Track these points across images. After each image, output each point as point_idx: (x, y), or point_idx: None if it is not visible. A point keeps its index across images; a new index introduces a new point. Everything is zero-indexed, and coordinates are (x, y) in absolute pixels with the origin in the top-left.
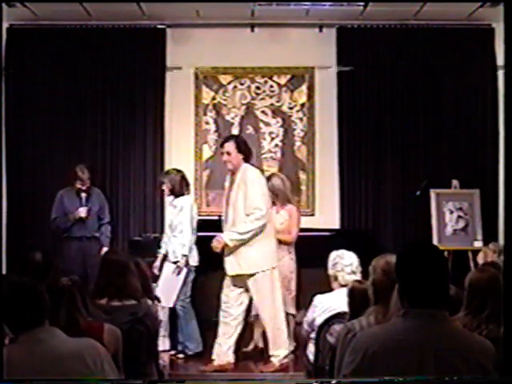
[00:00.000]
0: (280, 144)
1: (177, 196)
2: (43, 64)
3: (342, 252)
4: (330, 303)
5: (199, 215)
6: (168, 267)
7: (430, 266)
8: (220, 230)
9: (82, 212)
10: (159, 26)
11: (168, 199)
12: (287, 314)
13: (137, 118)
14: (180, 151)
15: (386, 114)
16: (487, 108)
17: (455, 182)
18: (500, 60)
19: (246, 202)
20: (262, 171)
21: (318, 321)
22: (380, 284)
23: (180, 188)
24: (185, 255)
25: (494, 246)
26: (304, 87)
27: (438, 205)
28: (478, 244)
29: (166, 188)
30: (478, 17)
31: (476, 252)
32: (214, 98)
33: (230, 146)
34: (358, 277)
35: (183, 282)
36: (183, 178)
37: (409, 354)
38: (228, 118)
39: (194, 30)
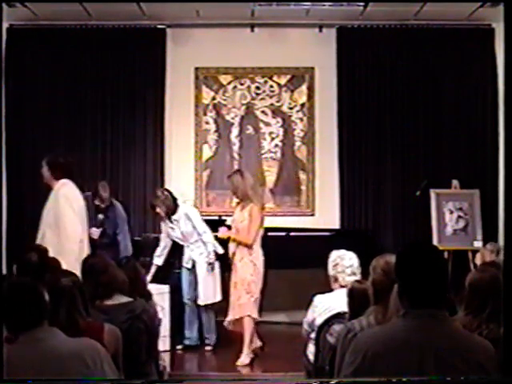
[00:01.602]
0: (280, 144)
1: (174, 213)
2: (43, 64)
3: (343, 253)
4: (330, 303)
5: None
6: (201, 268)
7: (429, 267)
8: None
9: (95, 234)
10: (159, 26)
11: (166, 223)
12: (248, 317)
13: (137, 118)
14: (180, 151)
15: (386, 114)
16: (487, 108)
17: (455, 182)
18: (500, 60)
19: None
20: (262, 171)
21: (318, 321)
22: (380, 284)
23: (174, 206)
24: (219, 253)
25: (492, 246)
26: (304, 87)
27: (438, 205)
28: (478, 244)
29: (161, 211)
30: (477, 17)
31: (476, 252)
32: (214, 98)
33: None
34: (358, 277)
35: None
36: (171, 195)
37: (409, 354)
38: (228, 118)
39: (194, 30)
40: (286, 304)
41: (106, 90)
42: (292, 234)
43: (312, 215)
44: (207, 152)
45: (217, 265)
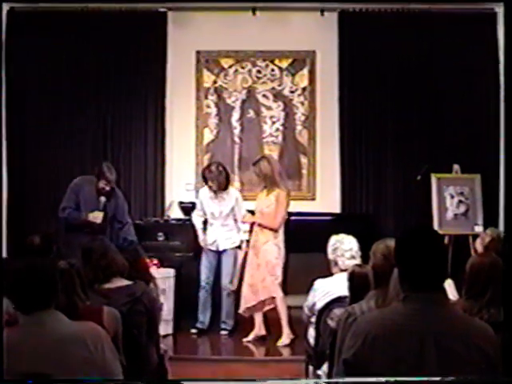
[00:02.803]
0: (281, 128)
1: (224, 189)
2: (44, 46)
3: (342, 237)
4: (331, 287)
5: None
6: (229, 254)
7: (429, 251)
8: None
9: (98, 218)
10: (160, 9)
11: (208, 193)
12: (277, 298)
13: (139, 101)
14: (181, 135)
15: (388, 98)
16: (489, 92)
17: (456, 167)
18: (502, 44)
19: None
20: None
21: (319, 305)
22: (380, 268)
23: (226, 182)
24: (247, 240)
25: (492, 231)
26: (305, 71)
27: (439, 189)
28: (479, 229)
29: (213, 185)
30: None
31: (477, 237)
32: (215, 82)
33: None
34: (358, 261)
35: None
36: (225, 170)
37: (409, 338)
38: (229, 101)
39: (195, 14)
40: (287, 288)
41: (106, 73)
42: (293, 218)
43: (313, 199)
44: (208, 136)
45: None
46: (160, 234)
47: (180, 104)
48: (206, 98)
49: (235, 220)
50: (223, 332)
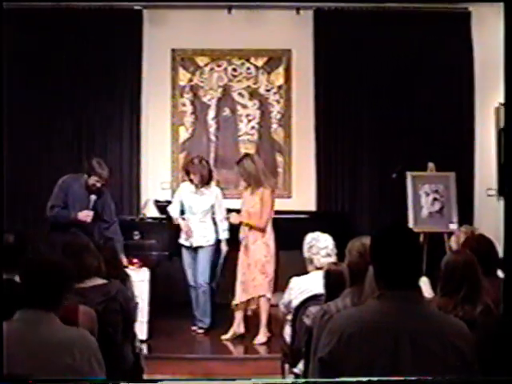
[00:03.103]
0: (257, 126)
1: (206, 184)
2: (18, 45)
3: (318, 235)
4: (307, 285)
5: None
6: (205, 251)
7: (404, 249)
8: None
9: (89, 217)
10: (136, 7)
11: (189, 187)
12: (263, 297)
13: (114, 99)
14: (157, 133)
15: (363, 97)
16: (463, 91)
17: (431, 165)
18: (476, 43)
19: None
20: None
21: (295, 303)
22: (356, 266)
23: (209, 177)
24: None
25: (466, 228)
26: (281, 69)
27: (414, 187)
28: (454, 226)
29: (195, 178)
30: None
31: (451, 234)
32: (190, 80)
33: None
34: (334, 259)
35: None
36: (208, 165)
37: (384, 335)
38: (205, 99)
39: (170, 12)
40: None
41: (81, 71)
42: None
43: (289, 197)
44: (184, 134)
45: (223, 253)
46: (136, 232)
47: (155, 102)
48: (182, 96)
49: (213, 218)
50: (199, 330)
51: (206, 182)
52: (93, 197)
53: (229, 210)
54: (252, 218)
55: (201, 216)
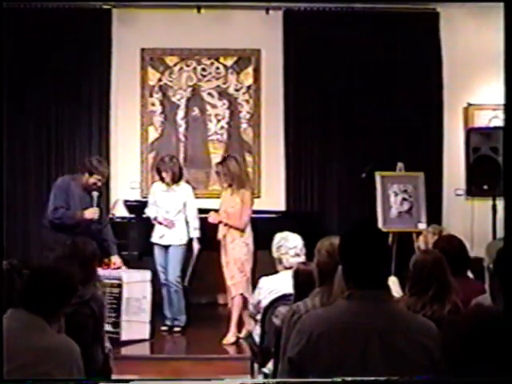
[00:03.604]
0: (226, 126)
1: (176, 182)
2: None
3: (287, 234)
4: (276, 285)
5: (144, 198)
6: (177, 250)
7: (372, 248)
8: None
9: (95, 214)
10: (105, 7)
11: (160, 186)
12: (239, 295)
13: (82, 99)
14: (126, 133)
15: (332, 97)
16: (432, 91)
17: (400, 165)
18: (444, 43)
19: None
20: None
21: (264, 303)
22: (325, 266)
23: (180, 174)
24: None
25: (434, 228)
26: (250, 69)
27: (383, 187)
28: (422, 226)
29: (166, 177)
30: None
31: (420, 234)
32: (160, 80)
33: None
34: (303, 259)
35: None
36: (179, 162)
37: (353, 335)
38: (174, 99)
39: (140, 11)
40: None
41: (50, 70)
42: None
43: (258, 197)
44: (153, 134)
45: (195, 251)
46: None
47: (125, 102)
48: (151, 95)
49: (185, 217)
50: (176, 328)
51: (177, 179)
52: (95, 193)
53: (200, 210)
54: (231, 218)
55: (173, 214)
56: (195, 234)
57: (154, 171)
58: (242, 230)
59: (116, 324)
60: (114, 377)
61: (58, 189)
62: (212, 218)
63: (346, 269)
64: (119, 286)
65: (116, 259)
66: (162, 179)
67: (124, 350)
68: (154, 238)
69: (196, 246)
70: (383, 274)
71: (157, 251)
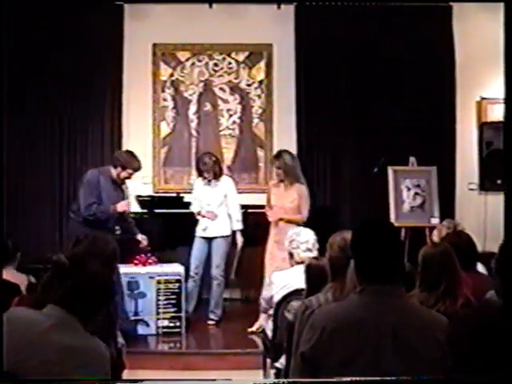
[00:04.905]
0: (238, 121)
1: (218, 177)
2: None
3: (300, 229)
4: (288, 280)
5: (156, 192)
6: (221, 242)
7: (384, 243)
8: (178, 207)
9: (127, 206)
10: (117, 2)
11: (202, 181)
12: None
13: (94, 94)
14: (138, 128)
15: (345, 91)
16: (444, 85)
17: (412, 159)
18: (457, 38)
19: None
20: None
21: (276, 298)
22: (337, 260)
23: (220, 171)
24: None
25: (449, 222)
26: (262, 64)
27: (396, 182)
28: (435, 221)
29: (209, 176)
30: None
31: (433, 228)
32: (171, 75)
33: None
34: (315, 254)
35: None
36: (218, 159)
37: (366, 330)
38: (186, 94)
39: (151, 6)
40: (243, 281)
41: (61, 67)
42: (250, 210)
43: None
44: (165, 129)
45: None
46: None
47: (137, 97)
48: (163, 91)
49: (227, 207)
50: (211, 322)
51: (218, 176)
52: (125, 186)
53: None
54: (289, 213)
55: (215, 207)
56: (238, 226)
57: (194, 168)
58: (299, 225)
59: (175, 319)
60: (126, 372)
61: (89, 184)
62: (271, 216)
63: (359, 263)
64: (178, 281)
65: (140, 237)
66: (204, 177)
67: (139, 345)
68: (198, 232)
69: (240, 238)
70: (396, 269)
71: (198, 244)
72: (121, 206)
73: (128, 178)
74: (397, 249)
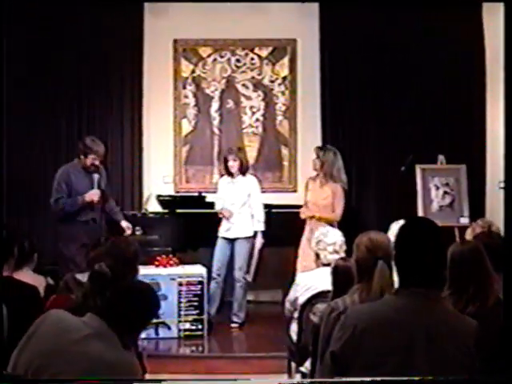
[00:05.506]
0: (261, 118)
1: (243, 173)
2: (19, 28)
3: (327, 230)
4: (313, 282)
5: (177, 192)
6: (243, 243)
7: (427, 245)
8: (200, 207)
9: (96, 195)
10: None
11: (226, 179)
12: None
13: (114, 91)
14: (159, 126)
15: (370, 88)
16: (474, 81)
17: (441, 157)
18: (487, 30)
19: None
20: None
21: (301, 300)
22: (363, 262)
23: (247, 166)
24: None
25: (483, 221)
26: (286, 60)
27: (424, 180)
28: (465, 220)
29: (234, 166)
30: None
31: (462, 228)
32: (193, 71)
33: None
34: (342, 255)
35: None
36: (245, 155)
37: (399, 332)
38: (208, 91)
39: (172, 2)
40: (268, 282)
41: (82, 62)
42: (274, 210)
43: (294, 191)
44: (186, 127)
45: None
46: (137, 227)
47: (157, 94)
48: (184, 87)
49: (248, 206)
50: (234, 324)
51: (244, 170)
52: (95, 175)
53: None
54: (322, 211)
55: (238, 206)
56: (259, 227)
57: (220, 164)
58: (332, 224)
59: (197, 321)
60: (147, 376)
61: (58, 180)
62: (304, 213)
63: (399, 264)
64: (200, 283)
65: (124, 223)
66: (228, 170)
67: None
68: (220, 232)
69: (260, 240)
70: (435, 272)
71: (220, 245)
72: (88, 196)
73: (93, 164)
74: (440, 252)
